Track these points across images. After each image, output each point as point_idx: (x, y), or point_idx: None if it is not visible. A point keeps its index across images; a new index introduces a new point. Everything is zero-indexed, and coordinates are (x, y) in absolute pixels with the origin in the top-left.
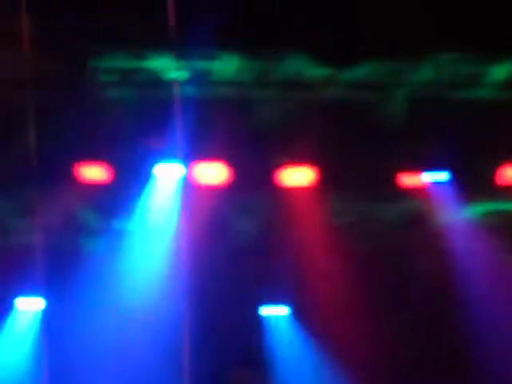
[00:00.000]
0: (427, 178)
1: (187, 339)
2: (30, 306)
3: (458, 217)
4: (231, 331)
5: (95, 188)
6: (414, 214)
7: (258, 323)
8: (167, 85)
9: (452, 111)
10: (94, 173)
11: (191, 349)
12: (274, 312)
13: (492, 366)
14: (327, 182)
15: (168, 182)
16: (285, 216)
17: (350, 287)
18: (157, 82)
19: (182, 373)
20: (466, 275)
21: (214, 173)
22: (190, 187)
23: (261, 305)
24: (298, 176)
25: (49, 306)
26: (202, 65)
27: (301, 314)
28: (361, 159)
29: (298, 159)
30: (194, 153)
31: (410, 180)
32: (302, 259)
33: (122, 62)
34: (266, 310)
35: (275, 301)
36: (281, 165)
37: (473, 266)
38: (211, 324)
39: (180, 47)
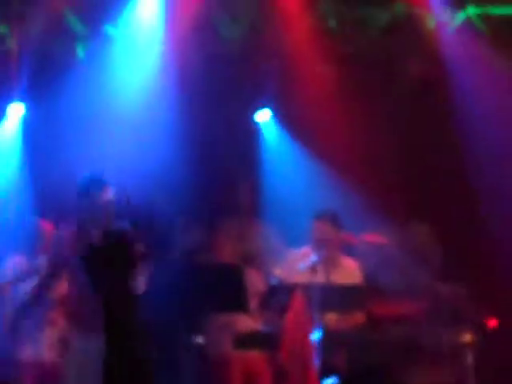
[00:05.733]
0: None
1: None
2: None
3: (450, 21)
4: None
5: None
6: (406, 18)
7: (248, 128)
8: None
9: None
10: None
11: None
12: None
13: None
14: None
15: None
16: (272, 19)
17: (338, 91)
18: None
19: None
20: (457, 81)
21: None
22: None
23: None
24: None
25: (31, 112)
26: None
27: (285, 118)
28: None
29: None
30: None
31: None
32: (289, 63)
33: None
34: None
35: (260, 105)
36: None
37: (464, 71)
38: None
39: None
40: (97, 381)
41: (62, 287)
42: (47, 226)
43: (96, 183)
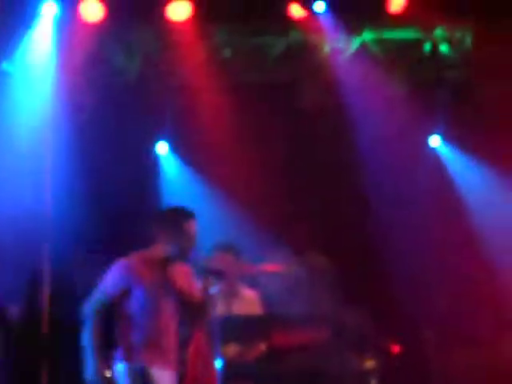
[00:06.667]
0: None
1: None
2: None
3: (345, 47)
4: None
5: None
6: (301, 46)
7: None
8: None
9: None
10: None
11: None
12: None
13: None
14: (210, 14)
15: (46, 20)
16: (167, 51)
17: (234, 120)
18: None
19: None
20: (354, 108)
21: (92, 9)
22: (68, 24)
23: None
24: (179, 9)
25: None
26: None
27: (183, 150)
28: None
29: None
30: None
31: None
32: (186, 95)
33: None
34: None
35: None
36: None
37: (362, 98)
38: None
39: None
40: None
41: None
42: None
43: (186, 213)
